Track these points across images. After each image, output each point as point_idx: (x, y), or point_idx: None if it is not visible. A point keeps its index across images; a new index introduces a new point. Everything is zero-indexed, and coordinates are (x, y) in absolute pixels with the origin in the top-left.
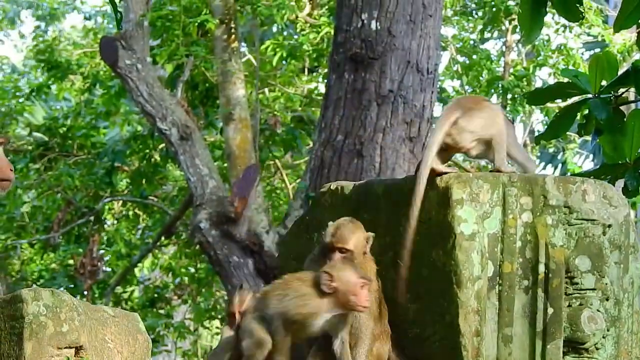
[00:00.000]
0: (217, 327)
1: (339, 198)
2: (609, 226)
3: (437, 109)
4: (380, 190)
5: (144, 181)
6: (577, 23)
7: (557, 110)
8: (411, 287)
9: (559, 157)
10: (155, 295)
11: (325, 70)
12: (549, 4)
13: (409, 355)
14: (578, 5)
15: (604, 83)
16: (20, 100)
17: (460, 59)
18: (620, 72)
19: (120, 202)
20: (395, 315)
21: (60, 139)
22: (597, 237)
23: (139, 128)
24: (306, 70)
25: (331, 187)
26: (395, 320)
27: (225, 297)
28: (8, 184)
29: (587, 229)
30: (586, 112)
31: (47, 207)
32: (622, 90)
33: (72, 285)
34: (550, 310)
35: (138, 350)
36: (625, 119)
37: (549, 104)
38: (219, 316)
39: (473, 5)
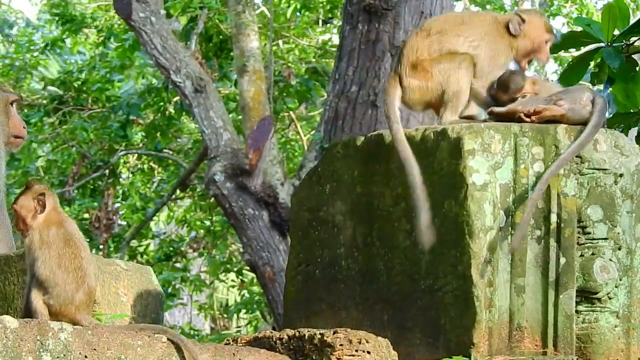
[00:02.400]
0: (232, 280)
1: (351, 149)
2: (621, 175)
3: None
4: (392, 141)
5: (158, 134)
6: None
7: (570, 60)
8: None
9: None
10: (171, 248)
11: (339, 21)
12: None
13: (423, 306)
14: None
15: (616, 32)
16: (35, 54)
17: (474, 8)
18: (632, 21)
19: (135, 155)
20: (408, 266)
21: (75, 93)
22: (608, 187)
23: (154, 81)
24: (320, 21)
25: (343, 138)
26: (407, 271)
27: (241, 250)
28: (21, 141)
29: (598, 179)
30: (599, 61)
31: (62, 161)
32: (634, 38)
33: (87, 239)
34: (562, 260)
35: (151, 303)
36: (637, 68)
37: (562, 53)
38: (235, 269)
39: None
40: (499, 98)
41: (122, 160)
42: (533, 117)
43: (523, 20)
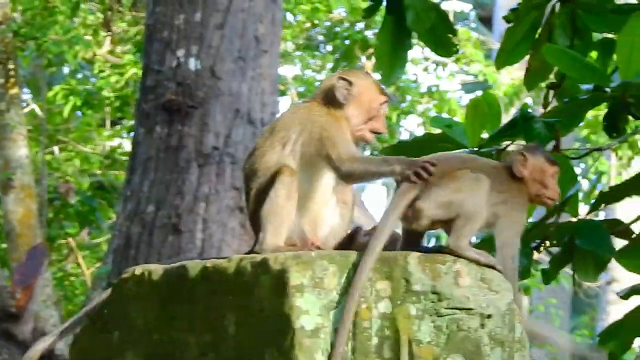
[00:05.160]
0: None
1: (146, 286)
2: (489, 317)
3: None
4: (198, 274)
5: None
6: (452, 59)
7: None
8: None
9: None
10: None
11: (132, 122)
12: (415, 35)
13: None
14: (451, 36)
15: (485, 135)
16: None
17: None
18: (505, 120)
19: None
20: None
21: None
22: (473, 331)
23: None
24: (107, 123)
25: (135, 272)
26: None
27: None
28: None
29: (461, 321)
30: None
31: None
32: (506, 142)
33: None
34: None
35: None
36: None
37: None
38: None
39: (321, 38)
40: None
41: None
42: None
43: (350, 83)
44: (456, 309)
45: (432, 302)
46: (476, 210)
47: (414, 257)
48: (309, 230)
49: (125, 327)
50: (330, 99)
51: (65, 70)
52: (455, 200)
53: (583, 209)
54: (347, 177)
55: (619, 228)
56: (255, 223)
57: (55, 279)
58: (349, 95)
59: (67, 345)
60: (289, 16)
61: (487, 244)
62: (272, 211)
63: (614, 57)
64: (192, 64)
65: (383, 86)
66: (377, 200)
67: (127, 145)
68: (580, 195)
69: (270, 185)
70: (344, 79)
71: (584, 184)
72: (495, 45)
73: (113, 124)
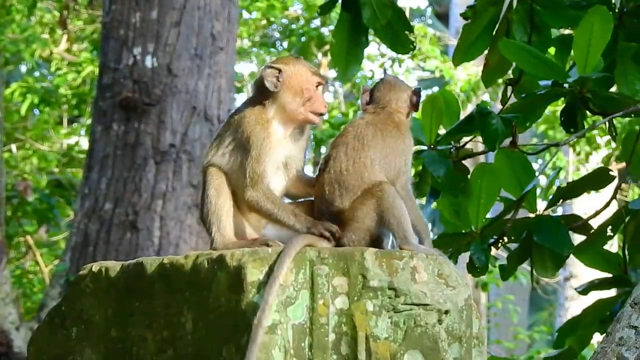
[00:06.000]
0: None
1: (103, 282)
2: (446, 312)
3: None
4: (155, 271)
5: None
6: (408, 55)
7: None
8: None
9: None
10: None
11: (89, 120)
12: (371, 31)
13: None
14: (408, 32)
15: (442, 131)
16: None
17: None
18: (463, 117)
19: None
20: None
21: None
22: (431, 327)
23: None
24: (65, 120)
25: (93, 269)
26: None
27: None
28: None
29: (418, 317)
30: (419, 168)
31: None
32: (465, 139)
33: None
34: None
35: None
36: (469, 176)
37: None
38: None
39: (277, 35)
40: None
41: None
42: None
43: (279, 70)
44: (413, 304)
45: (389, 298)
46: (399, 211)
47: (370, 253)
48: (253, 224)
49: (83, 324)
50: (263, 91)
51: (23, 68)
52: (382, 223)
53: (541, 205)
54: (250, 202)
55: (577, 223)
56: (205, 225)
57: (13, 276)
58: (279, 82)
59: (26, 342)
60: (245, 14)
61: (444, 240)
62: (210, 211)
63: (572, 52)
64: (149, 61)
65: (316, 69)
66: None
67: (85, 143)
68: (538, 191)
69: (204, 187)
70: (271, 67)
71: (542, 180)
72: (452, 42)
73: (70, 121)
